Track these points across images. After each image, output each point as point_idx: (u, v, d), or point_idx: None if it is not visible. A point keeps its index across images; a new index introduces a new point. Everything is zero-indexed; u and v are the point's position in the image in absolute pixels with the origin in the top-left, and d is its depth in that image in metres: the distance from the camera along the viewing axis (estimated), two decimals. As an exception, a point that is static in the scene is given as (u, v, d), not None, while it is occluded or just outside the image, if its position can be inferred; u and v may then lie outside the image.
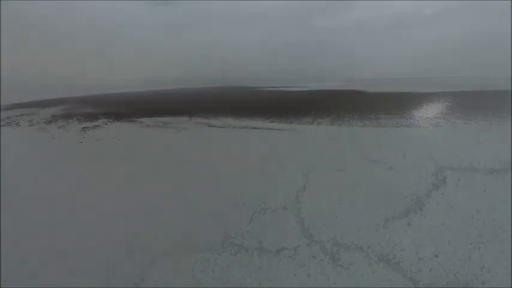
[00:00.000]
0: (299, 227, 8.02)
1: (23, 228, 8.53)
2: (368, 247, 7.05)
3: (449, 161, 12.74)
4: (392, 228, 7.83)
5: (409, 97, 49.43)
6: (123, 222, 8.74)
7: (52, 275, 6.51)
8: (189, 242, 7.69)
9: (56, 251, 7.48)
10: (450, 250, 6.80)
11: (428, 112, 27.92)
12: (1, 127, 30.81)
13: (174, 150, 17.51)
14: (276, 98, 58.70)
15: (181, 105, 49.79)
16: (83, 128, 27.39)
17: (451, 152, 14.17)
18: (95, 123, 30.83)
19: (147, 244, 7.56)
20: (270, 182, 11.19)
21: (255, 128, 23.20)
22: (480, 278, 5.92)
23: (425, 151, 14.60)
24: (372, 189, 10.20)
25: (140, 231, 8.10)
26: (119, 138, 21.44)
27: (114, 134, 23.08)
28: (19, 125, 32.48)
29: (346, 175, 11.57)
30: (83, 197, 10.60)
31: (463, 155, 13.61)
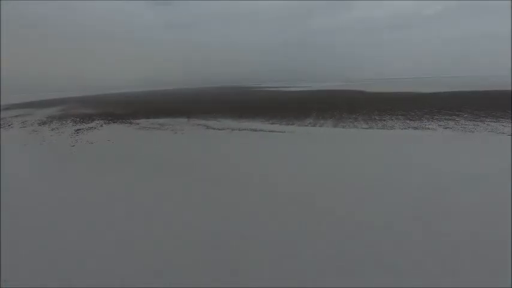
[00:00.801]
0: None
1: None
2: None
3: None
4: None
5: (410, 97, 48.54)
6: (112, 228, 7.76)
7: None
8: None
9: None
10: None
11: (433, 113, 26.93)
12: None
13: (169, 154, 16.46)
14: (276, 98, 57.64)
15: (180, 106, 48.76)
16: (77, 130, 26.35)
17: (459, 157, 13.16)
18: (90, 124, 29.78)
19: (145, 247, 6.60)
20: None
21: (255, 130, 22.20)
22: None
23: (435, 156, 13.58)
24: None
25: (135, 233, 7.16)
26: (112, 141, 20.43)
27: (107, 137, 22.03)
28: (11, 127, 31.44)
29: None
30: (63, 206, 9.64)
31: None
